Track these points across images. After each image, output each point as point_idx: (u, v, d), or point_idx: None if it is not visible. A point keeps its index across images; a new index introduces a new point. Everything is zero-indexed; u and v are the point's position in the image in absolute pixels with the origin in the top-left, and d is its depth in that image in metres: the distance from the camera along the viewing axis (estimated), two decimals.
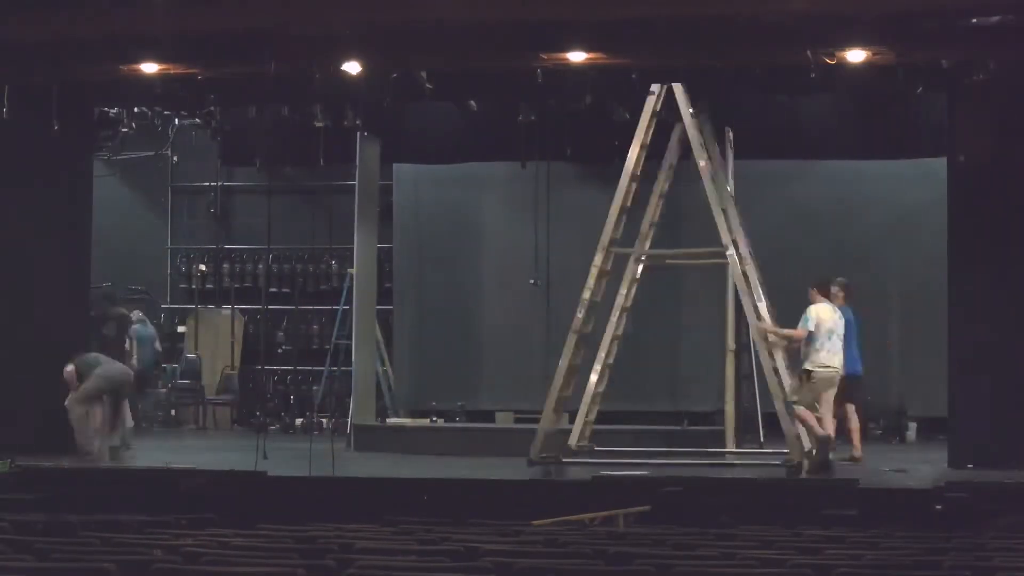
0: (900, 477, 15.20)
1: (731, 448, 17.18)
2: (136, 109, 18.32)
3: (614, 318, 16.59)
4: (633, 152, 16.36)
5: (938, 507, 13.60)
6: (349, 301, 20.05)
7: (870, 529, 11.44)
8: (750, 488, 14.69)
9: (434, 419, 19.57)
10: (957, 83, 15.25)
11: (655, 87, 16.28)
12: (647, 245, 16.68)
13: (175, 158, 22.63)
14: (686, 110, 16.19)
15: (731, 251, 16.05)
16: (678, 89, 16.15)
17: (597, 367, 16.56)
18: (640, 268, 16.67)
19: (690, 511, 13.42)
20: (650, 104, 16.37)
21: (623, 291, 16.58)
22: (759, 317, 15.82)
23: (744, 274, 15.95)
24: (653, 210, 16.63)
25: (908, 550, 9.70)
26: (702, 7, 13.88)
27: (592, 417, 16.55)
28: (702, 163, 16.16)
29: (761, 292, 15.98)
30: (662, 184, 16.63)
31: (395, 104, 17.64)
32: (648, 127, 16.38)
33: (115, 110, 18.22)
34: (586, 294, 16.33)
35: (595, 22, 14.30)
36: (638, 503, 13.42)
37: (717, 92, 16.59)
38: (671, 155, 16.60)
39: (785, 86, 16.07)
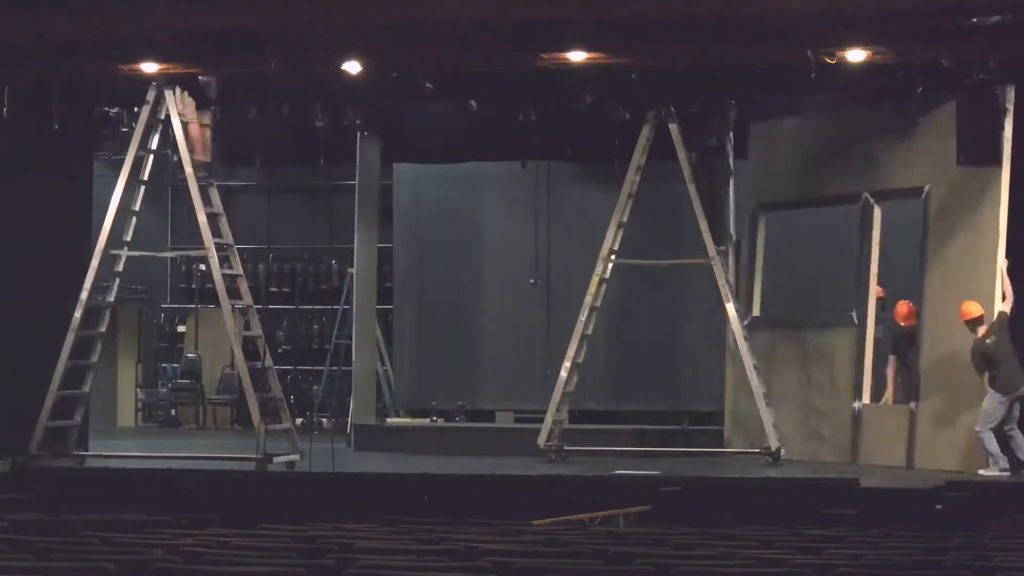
0: (900, 477, 15.19)
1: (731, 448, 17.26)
2: (136, 109, 18.30)
3: (583, 317, 16.76)
4: (630, 175, 16.81)
5: (938, 507, 13.61)
6: (349, 301, 20.07)
7: (870, 529, 11.45)
8: (750, 488, 14.69)
9: (434, 419, 19.57)
10: (958, 83, 15.24)
11: (651, 115, 16.70)
12: (616, 245, 16.86)
13: (175, 158, 22.59)
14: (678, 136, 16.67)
15: (717, 261, 16.52)
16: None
17: (567, 365, 16.77)
18: (609, 268, 16.89)
19: (690, 511, 13.42)
20: (645, 132, 16.73)
21: (591, 291, 16.81)
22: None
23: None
24: (621, 210, 16.88)
25: (908, 550, 9.70)
26: (702, 7, 13.88)
27: (563, 416, 16.85)
28: (686, 167, 16.63)
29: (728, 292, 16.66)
30: (630, 185, 16.82)
31: (395, 104, 17.66)
32: (644, 150, 16.76)
33: (115, 110, 18.20)
34: (588, 299, 16.78)
35: (595, 22, 14.31)
36: (638, 503, 13.43)
37: (717, 92, 16.61)
38: (639, 155, 16.81)
39: (785, 86, 16.07)
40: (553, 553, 9.39)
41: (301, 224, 22.76)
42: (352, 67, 15.26)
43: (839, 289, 17.16)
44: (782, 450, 16.16)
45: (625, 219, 16.88)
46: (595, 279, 16.81)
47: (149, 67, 15.60)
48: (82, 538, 9.93)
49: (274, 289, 22.76)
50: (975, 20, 13.91)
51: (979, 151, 15.29)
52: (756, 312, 17.65)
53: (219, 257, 16.13)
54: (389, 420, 19.81)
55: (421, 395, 20.74)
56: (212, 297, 22.73)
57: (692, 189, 16.67)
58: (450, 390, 20.28)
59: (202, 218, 16.08)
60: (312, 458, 15.38)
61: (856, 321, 16.53)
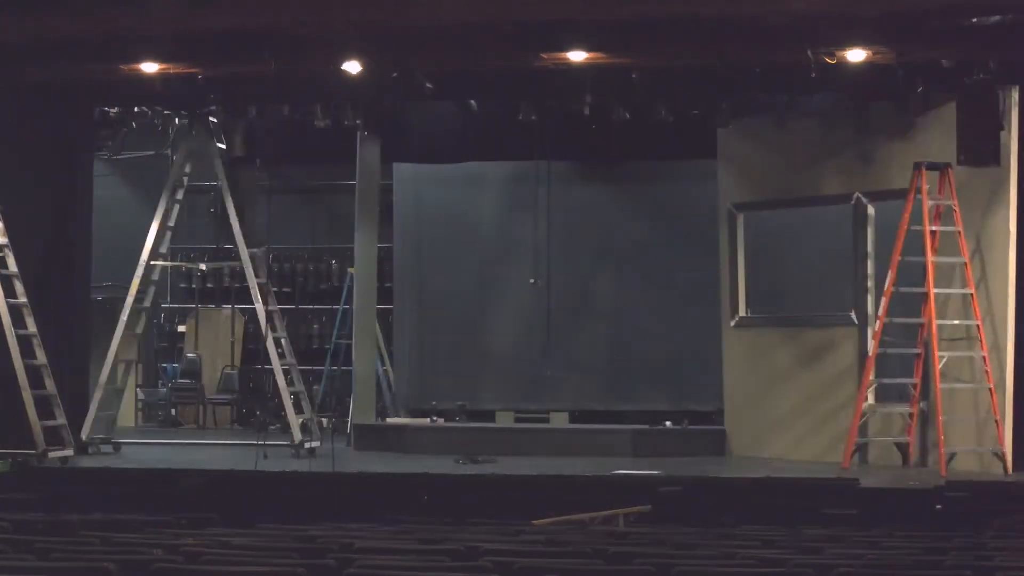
0: (900, 477, 15.19)
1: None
2: (136, 109, 18.31)
3: (124, 317, 17.51)
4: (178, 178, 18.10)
5: (938, 507, 13.61)
6: (349, 301, 20.06)
7: (870, 529, 11.45)
8: (750, 488, 14.69)
9: (434, 419, 19.57)
10: (958, 83, 15.24)
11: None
12: (165, 248, 18.06)
13: (175, 158, 22.60)
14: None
15: (252, 263, 17.68)
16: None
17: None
18: (159, 270, 17.97)
19: (690, 511, 13.42)
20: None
21: (149, 291, 17.71)
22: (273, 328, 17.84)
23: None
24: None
25: (908, 550, 9.70)
26: (702, 7, 13.87)
27: (114, 411, 17.74)
28: (222, 176, 17.94)
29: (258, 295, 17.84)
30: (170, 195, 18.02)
31: (395, 104, 17.66)
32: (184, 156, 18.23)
33: (115, 110, 18.21)
34: (129, 299, 17.63)
35: (595, 22, 14.30)
36: (638, 503, 13.43)
37: (716, 92, 16.62)
38: (177, 170, 18.05)
39: (785, 86, 16.07)
40: (553, 553, 9.39)
41: (301, 224, 22.74)
42: (352, 67, 15.26)
43: (831, 289, 17.13)
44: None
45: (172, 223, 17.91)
46: (137, 281, 17.49)
47: (149, 67, 15.59)
48: (82, 538, 9.92)
49: (274, 289, 22.73)
50: (975, 20, 13.91)
51: (979, 151, 15.28)
52: (742, 312, 17.66)
53: None
54: (389, 420, 19.81)
55: (421, 395, 20.74)
56: (212, 297, 22.87)
57: (228, 198, 17.86)
58: (450, 390, 20.27)
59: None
60: (312, 458, 15.36)
61: (856, 321, 16.52)
